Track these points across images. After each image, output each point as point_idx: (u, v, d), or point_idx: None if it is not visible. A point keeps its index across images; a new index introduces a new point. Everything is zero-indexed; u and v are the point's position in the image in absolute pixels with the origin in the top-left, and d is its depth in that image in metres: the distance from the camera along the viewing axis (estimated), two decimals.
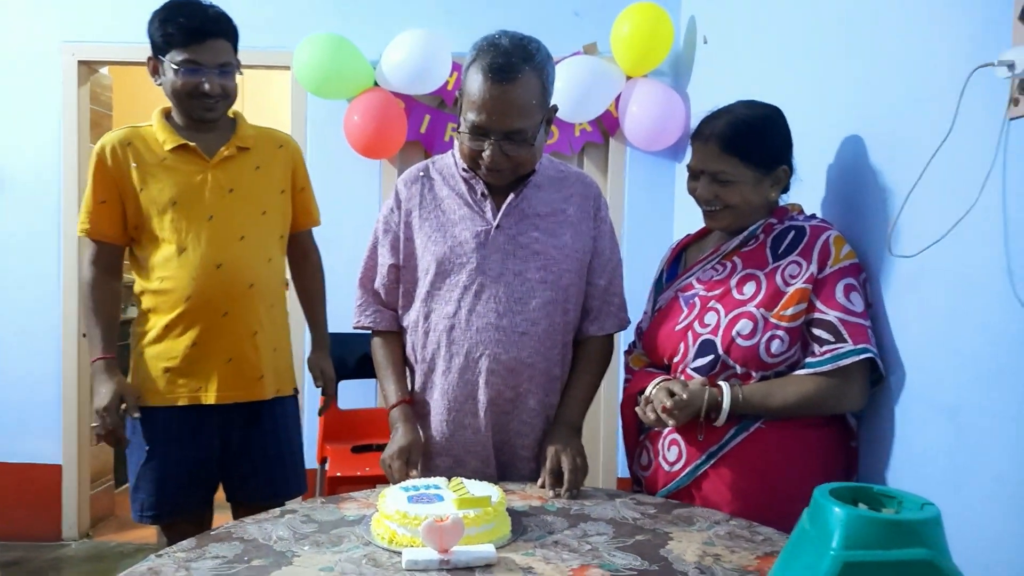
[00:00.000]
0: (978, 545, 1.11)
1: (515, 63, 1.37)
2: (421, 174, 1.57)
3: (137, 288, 1.80)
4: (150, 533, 3.29)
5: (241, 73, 1.80)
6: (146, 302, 1.78)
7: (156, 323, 1.77)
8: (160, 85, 1.77)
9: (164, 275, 1.75)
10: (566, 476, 1.40)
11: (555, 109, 1.50)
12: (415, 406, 1.56)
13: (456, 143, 1.50)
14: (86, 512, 3.28)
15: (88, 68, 3.23)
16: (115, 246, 1.80)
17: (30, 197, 3.17)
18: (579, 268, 1.53)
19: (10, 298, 3.18)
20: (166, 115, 1.81)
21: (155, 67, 1.76)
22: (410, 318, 1.55)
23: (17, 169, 3.17)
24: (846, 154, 1.56)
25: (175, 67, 1.70)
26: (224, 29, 1.73)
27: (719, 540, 1.18)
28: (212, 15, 1.72)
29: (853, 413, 1.43)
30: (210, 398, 1.77)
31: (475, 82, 1.38)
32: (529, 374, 1.49)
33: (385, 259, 1.57)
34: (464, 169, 1.51)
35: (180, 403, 1.77)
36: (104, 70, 3.40)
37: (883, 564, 0.77)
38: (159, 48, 1.72)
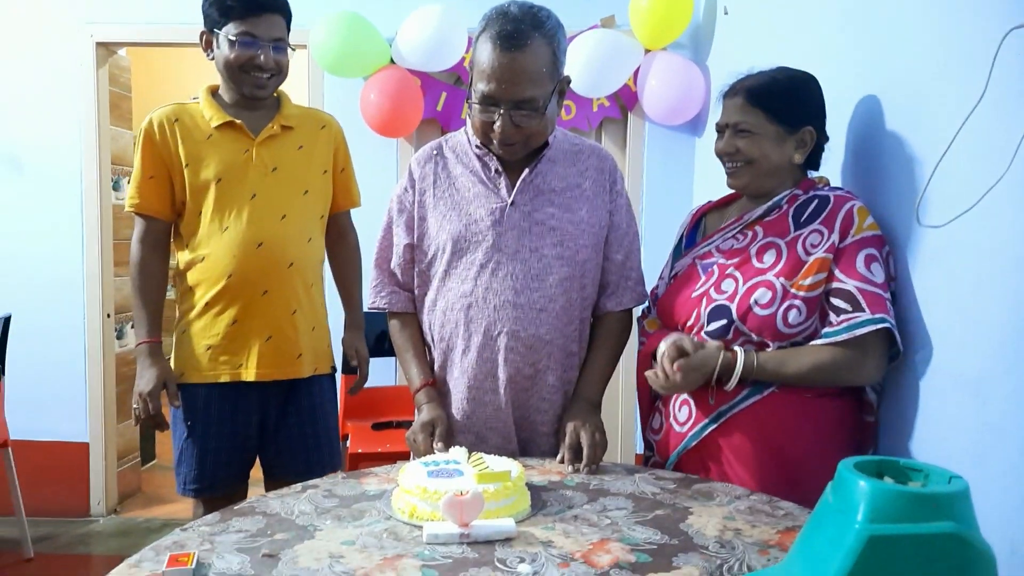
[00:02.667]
0: (1003, 518, 1.09)
1: (524, 30, 1.35)
2: (434, 152, 1.56)
3: (180, 265, 1.83)
4: (176, 509, 3.36)
5: (294, 50, 1.83)
6: (188, 279, 1.81)
7: (198, 301, 1.79)
8: (212, 60, 1.80)
9: (206, 252, 1.77)
10: (585, 451, 1.40)
11: (568, 80, 1.47)
12: (436, 386, 1.56)
13: (468, 119, 1.49)
14: (113, 489, 3.35)
15: (106, 50, 3.24)
16: (163, 222, 1.82)
17: (51, 179, 3.21)
18: (596, 243, 1.52)
19: (34, 279, 3.23)
20: (213, 93, 1.84)
21: (208, 41, 1.79)
22: (428, 298, 1.55)
23: (38, 151, 3.20)
24: (872, 123, 1.52)
25: (232, 39, 1.72)
26: (280, 5, 1.78)
27: (739, 515, 1.17)
28: None
29: (874, 388, 1.41)
30: (250, 375, 1.80)
31: (484, 51, 1.37)
32: (548, 351, 1.48)
33: (400, 239, 1.56)
34: (477, 146, 1.50)
35: (221, 380, 1.80)
36: (122, 51, 3.41)
37: (910, 538, 0.76)
38: (214, 22, 1.75)
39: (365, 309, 1.68)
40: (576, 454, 1.41)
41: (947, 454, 1.24)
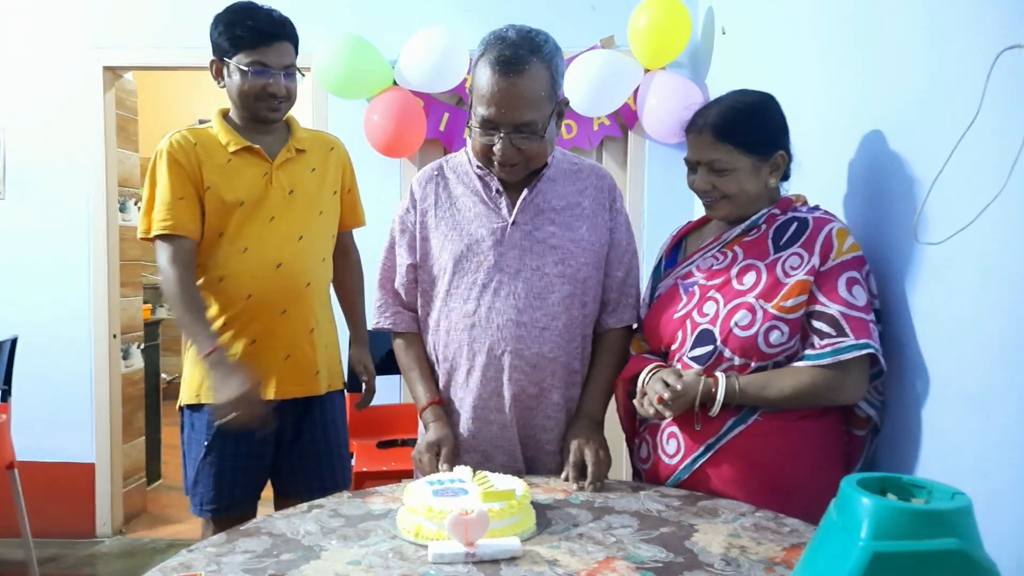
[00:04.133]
0: (1008, 534, 1.09)
1: (522, 55, 1.37)
2: (435, 173, 1.58)
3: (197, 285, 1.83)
4: (182, 529, 3.35)
5: (303, 75, 1.85)
6: (205, 299, 1.81)
7: (214, 321, 1.80)
8: (223, 87, 1.82)
9: (224, 274, 1.78)
10: (590, 469, 1.40)
11: (566, 102, 1.49)
12: (443, 404, 1.56)
13: (469, 140, 1.51)
14: (119, 509, 3.35)
15: (113, 74, 3.28)
16: (192, 242, 1.78)
17: (58, 201, 3.24)
18: (596, 261, 1.53)
19: (41, 300, 3.25)
20: (224, 116, 1.86)
21: (219, 69, 1.81)
22: (431, 318, 1.56)
23: (45, 174, 3.24)
24: (869, 142, 1.53)
25: (243, 69, 1.74)
26: (289, 32, 1.80)
27: (745, 532, 1.17)
28: (277, 19, 1.78)
29: (873, 404, 1.42)
30: (269, 394, 1.80)
31: (483, 76, 1.39)
32: (551, 369, 1.49)
33: (403, 259, 1.57)
34: (478, 166, 1.52)
35: None
36: (129, 75, 3.46)
37: (913, 555, 0.76)
38: (224, 51, 1.77)
39: (369, 328, 1.70)
40: (580, 472, 1.42)
41: (951, 470, 1.24)
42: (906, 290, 1.38)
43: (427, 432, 1.52)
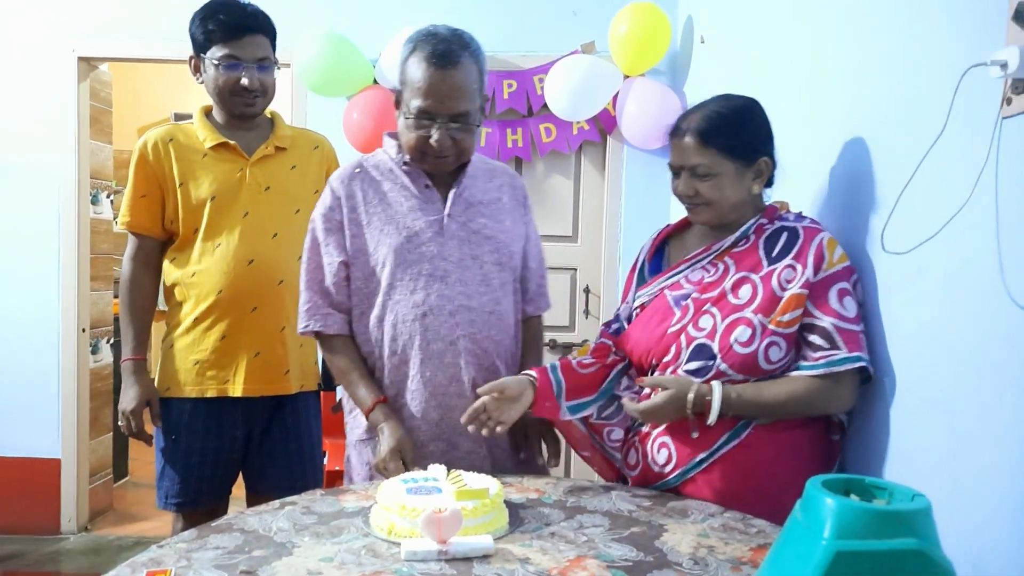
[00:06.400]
0: (969, 537, 1.12)
1: (455, 49, 1.45)
2: (356, 171, 1.59)
3: (170, 280, 1.84)
4: (149, 527, 3.31)
5: (279, 68, 1.86)
6: (178, 294, 1.82)
7: (187, 315, 1.80)
8: (202, 83, 1.82)
9: (197, 269, 1.79)
10: (550, 448, 1.57)
11: (486, 98, 1.59)
12: (390, 401, 1.53)
13: (390, 138, 1.58)
14: (85, 506, 3.29)
15: (88, 64, 3.23)
16: (154, 240, 1.84)
17: (29, 192, 3.18)
18: (520, 251, 1.63)
19: (9, 292, 3.19)
20: (206, 113, 1.86)
21: (196, 65, 1.82)
22: (372, 314, 1.53)
23: (16, 164, 3.18)
24: (841, 152, 1.57)
25: (215, 63, 1.75)
26: (262, 25, 1.80)
27: (713, 532, 1.20)
28: (251, 11, 1.78)
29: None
30: (237, 390, 1.80)
31: (418, 70, 1.45)
32: (499, 352, 1.56)
33: (333, 257, 1.54)
34: (405, 162, 1.55)
35: (208, 395, 1.80)
36: (104, 67, 3.41)
37: (874, 554, 0.78)
38: (200, 46, 1.78)
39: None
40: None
41: (916, 473, 1.28)
42: (874, 297, 1.42)
43: (383, 436, 1.47)
